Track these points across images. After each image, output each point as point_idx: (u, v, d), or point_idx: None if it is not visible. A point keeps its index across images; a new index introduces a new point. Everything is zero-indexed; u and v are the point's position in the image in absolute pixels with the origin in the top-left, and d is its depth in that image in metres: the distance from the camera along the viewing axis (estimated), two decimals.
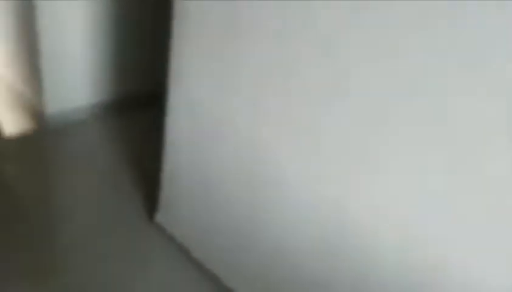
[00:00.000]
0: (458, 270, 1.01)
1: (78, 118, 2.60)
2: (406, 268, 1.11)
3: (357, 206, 1.16)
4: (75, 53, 2.49)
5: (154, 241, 1.86)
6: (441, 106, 0.92)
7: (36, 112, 2.59)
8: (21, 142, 2.36)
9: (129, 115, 2.67)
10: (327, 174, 1.19)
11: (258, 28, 1.20)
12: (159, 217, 1.91)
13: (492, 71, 0.83)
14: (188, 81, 1.49)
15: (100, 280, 1.67)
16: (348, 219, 1.19)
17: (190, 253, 1.79)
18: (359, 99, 1.05)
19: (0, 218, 1.86)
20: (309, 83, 1.14)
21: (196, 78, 1.46)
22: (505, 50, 0.81)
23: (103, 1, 2.41)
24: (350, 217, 1.18)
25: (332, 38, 1.05)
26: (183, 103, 1.55)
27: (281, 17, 1.13)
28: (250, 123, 1.34)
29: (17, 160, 2.25)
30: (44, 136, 2.44)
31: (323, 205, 1.23)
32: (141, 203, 2.05)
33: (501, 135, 0.86)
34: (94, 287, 1.64)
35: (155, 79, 2.66)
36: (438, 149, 0.96)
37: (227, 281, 1.66)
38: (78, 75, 2.54)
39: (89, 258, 1.75)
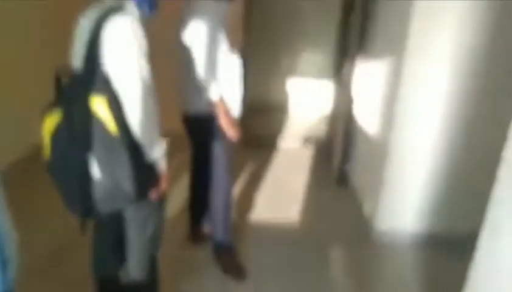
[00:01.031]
0: None
1: (399, 240, 2.55)
2: None
3: None
4: (422, 174, 2.39)
5: None
6: None
7: (367, 224, 2.66)
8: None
9: (447, 252, 2.47)
10: None
11: None
12: None
13: None
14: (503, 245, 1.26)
15: None
16: None
17: None
18: None
19: None
20: None
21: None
22: None
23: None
24: None
25: None
26: (493, 269, 1.30)
27: None
28: None
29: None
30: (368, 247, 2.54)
31: None
32: None
33: None
34: None
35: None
36: None
37: None
38: (415, 198, 2.46)
39: None
